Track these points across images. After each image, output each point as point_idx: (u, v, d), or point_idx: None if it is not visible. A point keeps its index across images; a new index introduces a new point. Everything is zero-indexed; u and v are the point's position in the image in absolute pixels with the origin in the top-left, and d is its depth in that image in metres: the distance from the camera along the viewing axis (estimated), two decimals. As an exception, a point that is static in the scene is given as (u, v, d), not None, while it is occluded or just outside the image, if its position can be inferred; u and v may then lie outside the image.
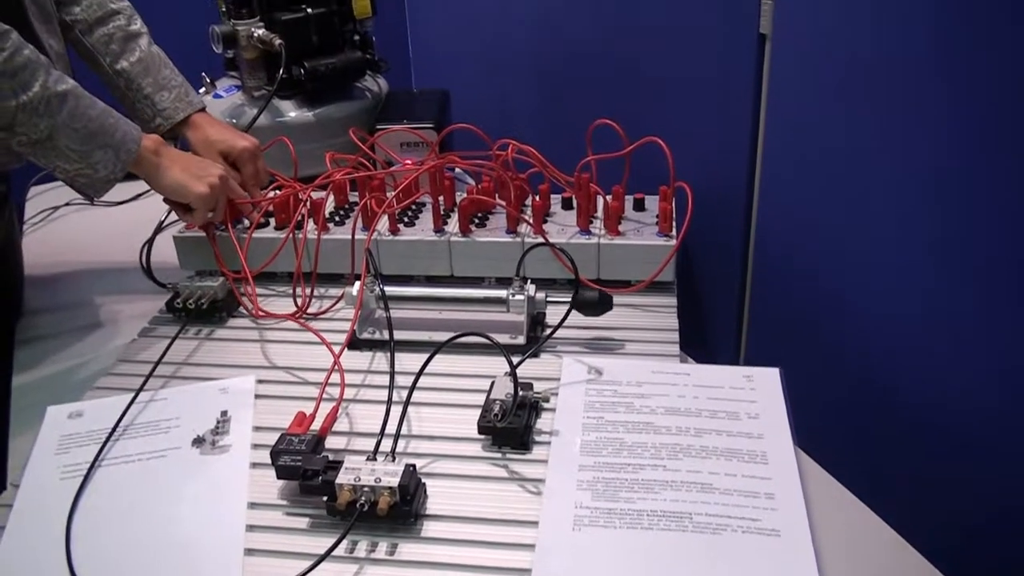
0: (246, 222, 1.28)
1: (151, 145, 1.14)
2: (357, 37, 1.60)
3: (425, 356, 0.95)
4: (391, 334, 1.06)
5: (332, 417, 0.94)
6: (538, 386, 0.99)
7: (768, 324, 1.32)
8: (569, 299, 1.05)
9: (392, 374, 1.00)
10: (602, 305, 1.06)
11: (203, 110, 1.33)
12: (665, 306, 1.17)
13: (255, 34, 1.48)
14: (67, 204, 1.67)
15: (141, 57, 1.29)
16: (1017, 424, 0.93)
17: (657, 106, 1.37)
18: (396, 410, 0.94)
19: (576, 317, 1.07)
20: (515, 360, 0.97)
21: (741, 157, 1.26)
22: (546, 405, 0.97)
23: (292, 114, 1.55)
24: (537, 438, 0.94)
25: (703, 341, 1.46)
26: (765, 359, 1.25)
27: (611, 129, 1.21)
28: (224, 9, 1.51)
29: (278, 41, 1.45)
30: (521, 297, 1.07)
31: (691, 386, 1.00)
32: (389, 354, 1.04)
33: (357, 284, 1.09)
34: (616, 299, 1.16)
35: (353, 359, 1.08)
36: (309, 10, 1.51)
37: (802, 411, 0.99)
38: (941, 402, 1.02)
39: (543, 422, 0.96)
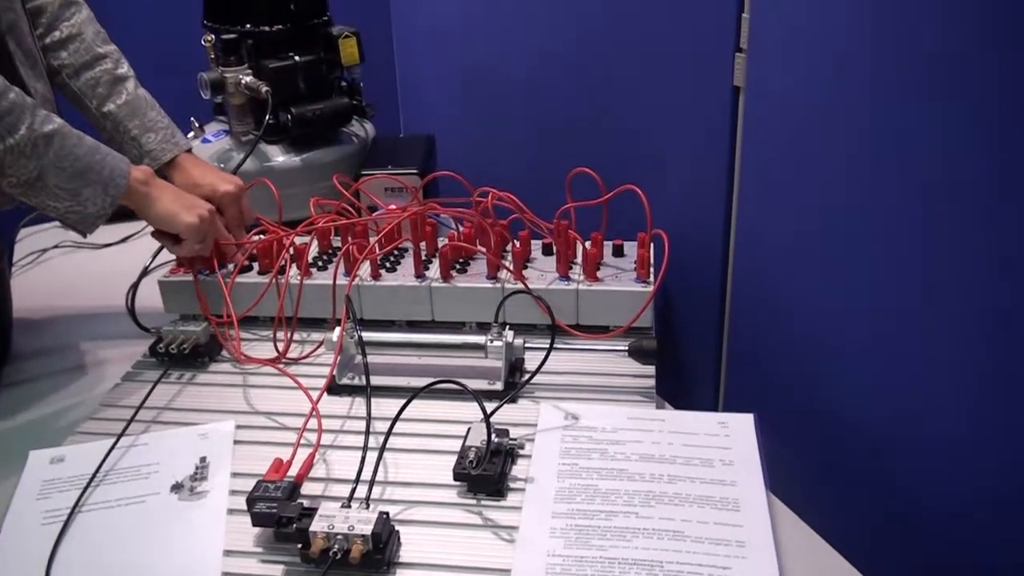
0: (230, 267, 1.29)
1: (141, 176, 1.16)
2: (344, 83, 1.63)
3: (403, 401, 0.96)
4: (368, 380, 1.07)
5: (308, 464, 0.95)
6: (515, 432, 1.00)
7: (746, 369, 1.33)
8: (547, 344, 1.06)
9: (369, 420, 1.02)
10: (656, 354, 1.08)
11: (189, 151, 1.35)
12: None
13: (243, 81, 1.50)
14: (56, 247, 1.68)
15: (128, 100, 1.31)
16: (990, 468, 0.94)
17: (635, 155, 1.40)
18: (372, 456, 0.95)
19: (554, 363, 1.08)
20: (491, 406, 0.99)
21: (718, 205, 1.28)
22: (522, 451, 0.98)
23: (279, 159, 1.57)
24: (512, 485, 0.95)
25: (682, 385, 1.48)
26: (743, 403, 1.27)
27: (591, 177, 1.23)
28: (213, 56, 1.54)
29: (265, 88, 1.48)
30: (499, 343, 1.09)
31: (666, 432, 1.02)
32: (367, 400, 1.05)
33: (337, 330, 1.10)
34: (594, 344, 1.18)
35: (332, 404, 1.09)
36: (297, 58, 1.55)
37: (779, 456, 1.00)
38: (916, 448, 1.03)
39: (519, 468, 0.97)
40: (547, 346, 1.06)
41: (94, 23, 1.34)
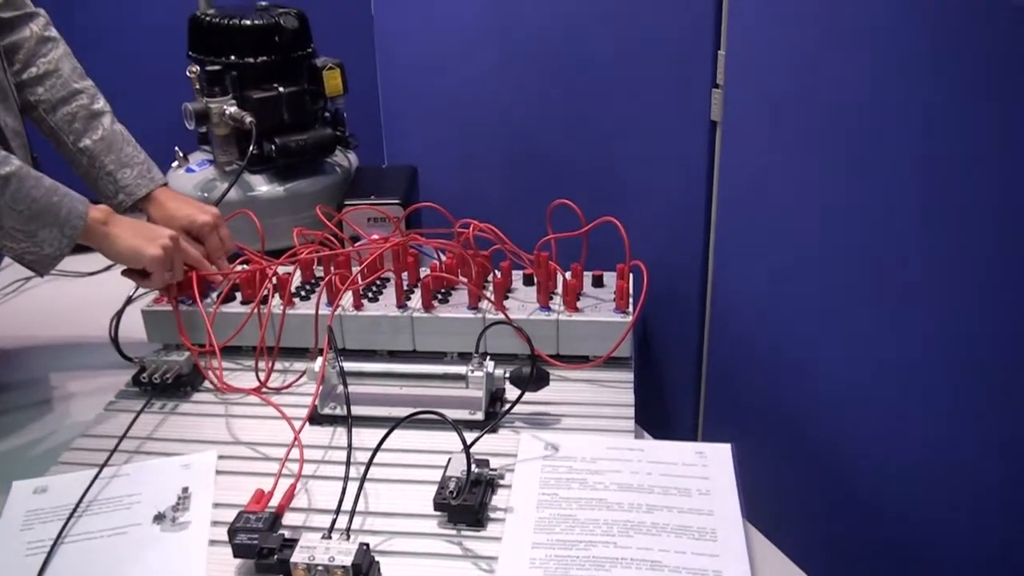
0: (213, 296, 1.30)
1: (100, 216, 1.16)
2: (328, 114, 1.65)
3: (385, 431, 0.97)
4: (348, 410, 1.08)
5: (290, 494, 0.96)
6: (496, 462, 1.01)
7: (725, 397, 1.35)
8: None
9: (349, 450, 1.02)
10: (537, 381, 1.08)
11: (165, 185, 1.36)
12: (622, 381, 1.20)
13: (227, 112, 1.52)
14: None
15: (103, 135, 1.32)
16: (965, 495, 0.96)
17: (615, 187, 1.43)
18: (353, 486, 0.95)
19: (534, 392, 1.10)
20: (472, 436, 1.00)
21: (696, 236, 1.31)
22: (502, 481, 0.99)
23: (263, 188, 1.58)
24: (492, 515, 0.96)
25: (663, 415, 1.49)
26: (722, 431, 1.29)
27: (571, 208, 1.25)
28: (198, 87, 1.55)
29: (249, 119, 1.49)
30: (480, 373, 1.10)
31: (644, 462, 1.03)
32: (347, 430, 1.06)
33: (319, 360, 1.11)
34: (574, 375, 1.20)
35: (314, 434, 1.10)
36: (281, 89, 1.56)
37: (757, 483, 1.02)
38: (892, 476, 1.05)
39: (499, 498, 0.98)
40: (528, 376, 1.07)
41: (71, 59, 1.35)
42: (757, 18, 1.11)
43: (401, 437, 1.01)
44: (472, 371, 1.10)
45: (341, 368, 1.11)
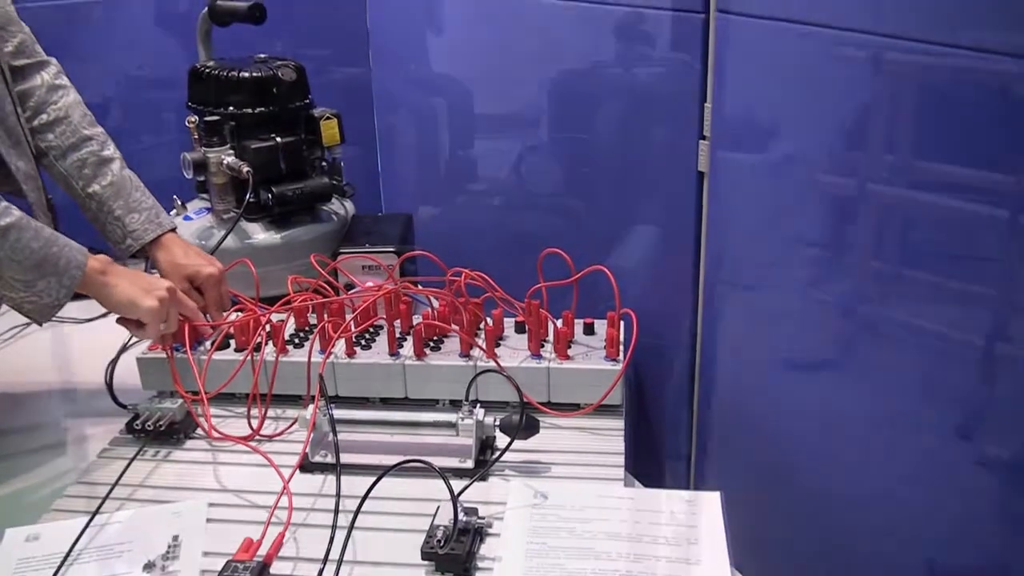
0: (207, 344, 1.31)
1: (98, 266, 1.18)
2: (325, 163, 1.68)
3: (374, 479, 0.98)
4: (337, 459, 1.09)
5: (278, 543, 0.97)
6: (485, 510, 1.01)
7: (716, 444, 1.36)
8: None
9: (338, 499, 1.03)
10: (527, 429, 1.09)
11: (174, 231, 1.38)
12: (612, 429, 1.21)
13: (224, 161, 1.54)
14: (37, 321, 1.70)
15: (112, 181, 1.34)
16: (945, 546, 0.96)
17: (605, 236, 1.44)
18: (341, 535, 0.96)
19: (526, 440, 1.10)
20: (461, 484, 1.01)
21: (684, 284, 1.32)
22: (491, 530, 1.00)
23: (259, 236, 1.60)
24: (481, 564, 0.96)
25: (654, 463, 1.50)
26: (714, 478, 1.29)
27: (562, 257, 1.27)
28: (196, 136, 1.58)
29: (246, 168, 1.52)
30: (470, 421, 1.11)
31: (633, 511, 1.03)
32: (336, 479, 1.07)
33: (311, 408, 1.12)
34: (565, 422, 1.20)
35: (304, 482, 1.11)
36: (278, 139, 1.59)
37: (746, 532, 1.02)
38: (880, 529, 1.06)
39: (488, 547, 0.98)
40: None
41: (81, 106, 1.38)
42: (743, 74, 1.14)
43: (390, 485, 1.01)
44: (462, 419, 1.11)
45: (331, 416, 1.12)
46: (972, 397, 0.91)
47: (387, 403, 1.28)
